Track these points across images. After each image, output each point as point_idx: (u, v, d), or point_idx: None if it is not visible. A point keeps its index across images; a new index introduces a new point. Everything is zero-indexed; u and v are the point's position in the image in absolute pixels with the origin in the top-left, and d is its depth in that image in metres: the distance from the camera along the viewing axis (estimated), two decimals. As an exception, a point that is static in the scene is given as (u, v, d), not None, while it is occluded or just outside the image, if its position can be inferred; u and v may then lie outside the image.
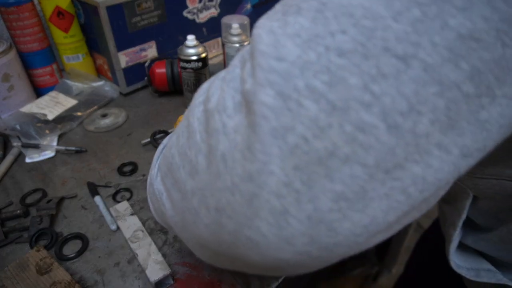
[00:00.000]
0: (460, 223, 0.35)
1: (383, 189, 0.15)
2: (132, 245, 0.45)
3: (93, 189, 0.54)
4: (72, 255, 0.45)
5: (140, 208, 0.52)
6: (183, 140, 0.21)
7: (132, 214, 0.50)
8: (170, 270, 0.42)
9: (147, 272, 0.42)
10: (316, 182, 0.15)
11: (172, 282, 0.42)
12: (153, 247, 0.45)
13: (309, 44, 0.15)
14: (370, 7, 0.14)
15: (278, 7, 0.18)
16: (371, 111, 0.14)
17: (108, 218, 0.49)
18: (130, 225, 0.48)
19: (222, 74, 0.21)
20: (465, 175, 0.18)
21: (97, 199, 0.52)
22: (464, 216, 0.34)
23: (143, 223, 0.49)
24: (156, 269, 0.42)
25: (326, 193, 0.15)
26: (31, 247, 0.46)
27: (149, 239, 0.46)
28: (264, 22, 0.17)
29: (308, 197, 0.15)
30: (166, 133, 0.66)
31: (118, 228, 0.48)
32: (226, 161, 0.17)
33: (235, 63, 0.19)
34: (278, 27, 0.16)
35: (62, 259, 0.45)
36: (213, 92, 0.20)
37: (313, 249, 0.16)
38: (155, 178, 0.26)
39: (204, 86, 0.23)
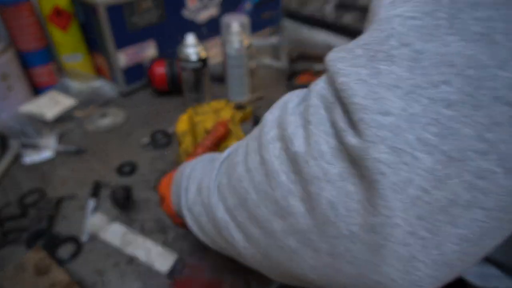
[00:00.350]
0: None
1: (499, 226, 0.16)
2: (127, 249, 0.45)
3: (97, 189, 0.54)
4: (71, 256, 0.45)
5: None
6: (259, 177, 0.21)
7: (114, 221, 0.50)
8: (177, 255, 0.41)
9: (156, 266, 0.41)
10: (440, 229, 0.16)
11: (183, 267, 0.42)
12: (149, 243, 0.45)
13: (411, 95, 0.15)
14: (473, 56, 0.14)
15: (358, 50, 0.17)
16: (488, 158, 0.14)
17: (87, 225, 0.48)
18: (116, 231, 0.48)
19: (291, 105, 0.21)
20: None
21: (90, 202, 0.52)
22: None
23: (143, 223, 0.49)
24: (163, 260, 0.42)
25: (450, 238, 0.16)
26: (30, 248, 0.45)
27: (141, 238, 0.46)
28: (347, 68, 0.17)
29: (434, 243, 0.16)
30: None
31: (90, 239, 0.47)
32: (336, 210, 0.17)
33: (314, 102, 0.19)
34: (369, 75, 0.16)
35: (61, 259, 0.44)
36: (293, 132, 0.19)
37: (436, 286, 0.17)
38: (217, 205, 0.26)
39: (270, 118, 0.22)
